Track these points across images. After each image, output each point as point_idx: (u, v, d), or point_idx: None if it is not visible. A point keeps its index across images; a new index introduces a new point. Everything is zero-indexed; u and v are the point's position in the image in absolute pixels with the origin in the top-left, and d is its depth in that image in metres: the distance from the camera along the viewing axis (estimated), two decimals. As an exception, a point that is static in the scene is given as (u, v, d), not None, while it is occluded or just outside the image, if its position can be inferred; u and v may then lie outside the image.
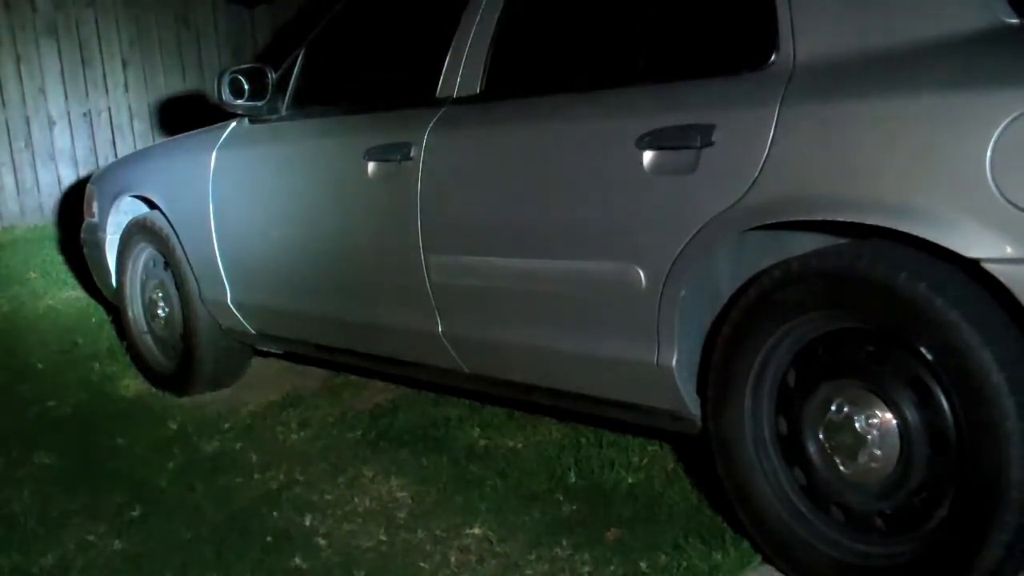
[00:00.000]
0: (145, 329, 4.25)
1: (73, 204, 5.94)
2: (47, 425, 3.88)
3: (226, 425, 3.73)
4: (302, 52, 3.52)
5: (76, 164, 6.94)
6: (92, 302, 5.25)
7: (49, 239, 6.50)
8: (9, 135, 6.76)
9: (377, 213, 3.09)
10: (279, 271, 3.52)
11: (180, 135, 4.18)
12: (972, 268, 1.92)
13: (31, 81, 6.78)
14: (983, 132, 1.87)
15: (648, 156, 2.37)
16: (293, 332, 3.66)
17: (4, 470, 3.48)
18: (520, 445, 3.28)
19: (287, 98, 3.50)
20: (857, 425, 2.15)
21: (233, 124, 3.72)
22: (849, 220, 2.06)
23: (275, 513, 2.99)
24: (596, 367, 2.63)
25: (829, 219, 2.10)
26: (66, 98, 6.89)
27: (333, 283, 3.33)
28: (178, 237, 3.88)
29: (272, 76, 3.47)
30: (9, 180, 6.81)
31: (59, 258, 6.16)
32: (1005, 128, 1.84)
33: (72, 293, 5.64)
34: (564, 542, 2.64)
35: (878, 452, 2.13)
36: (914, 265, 2.00)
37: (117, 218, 4.25)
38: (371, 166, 3.06)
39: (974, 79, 1.94)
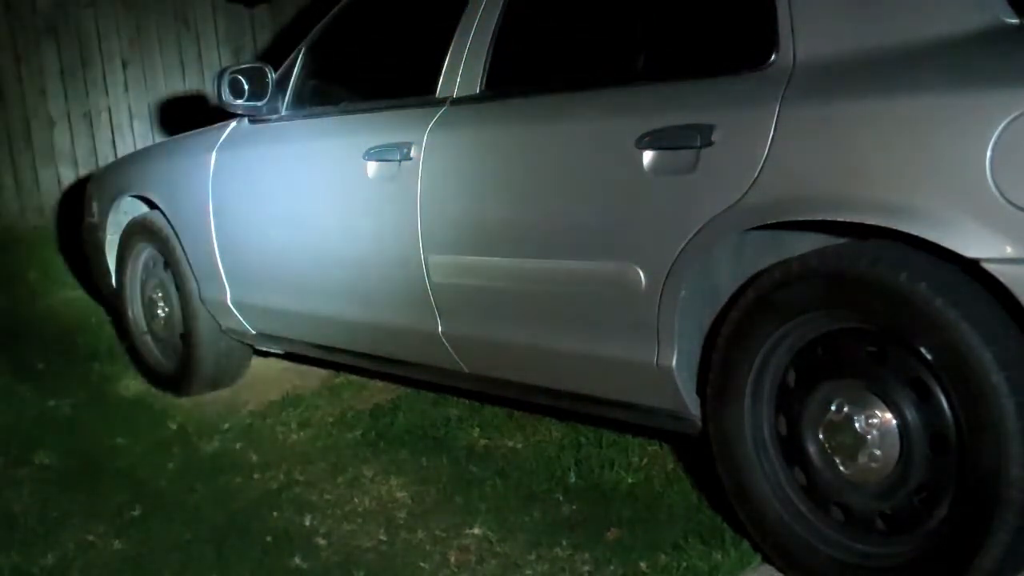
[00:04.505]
0: (145, 329, 4.25)
1: (73, 204, 5.93)
2: (47, 425, 3.88)
3: (226, 425, 3.73)
4: (302, 52, 3.52)
5: (76, 164, 6.92)
6: (92, 302, 5.25)
7: (49, 239, 6.49)
8: (9, 135, 6.75)
9: (377, 213, 3.09)
10: (279, 271, 3.52)
11: (180, 135, 4.18)
12: (972, 268, 1.92)
13: (31, 81, 6.77)
14: (983, 132, 1.87)
15: (648, 156, 2.37)
16: (293, 332, 3.66)
17: (4, 470, 3.48)
18: (520, 445, 3.28)
19: (287, 98, 3.50)
20: (857, 425, 2.15)
21: (233, 124, 3.72)
22: (849, 220, 2.06)
23: (275, 513, 2.99)
24: (596, 367, 2.63)
25: (829, 219, 2.10)
26: (66, 98, 6.87)
27: (333, 283, 3.33)
28: (178, 237, 3.88)
29: (272, 76, 3.47)
30: (9, 180, 6.80)
31: (59, 258, 6.15)
32: (1005, 128, 1.84)
33: (72, 293, 5.64)
34: (564, 542, 2.64)
35: (878, 452, 2.13)
36: (914, 265, 2.00)
37: (117, 218, 4.26)
38: (371, 166, 3.06)
39: (974, 79, 1.94)
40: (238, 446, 3.54)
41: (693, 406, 2.48)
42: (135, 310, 4.27)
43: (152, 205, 4.06)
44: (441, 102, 2.94)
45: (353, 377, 4.02)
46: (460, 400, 3.63)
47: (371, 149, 3.06)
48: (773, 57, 2.22)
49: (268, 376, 4.19)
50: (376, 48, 3.46)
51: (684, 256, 2.34)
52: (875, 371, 2.13)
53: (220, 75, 3.44)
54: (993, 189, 1.86)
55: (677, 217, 2.34)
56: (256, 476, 3.27)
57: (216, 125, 3.83)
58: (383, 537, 2.80)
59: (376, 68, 3.47)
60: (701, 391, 2.45)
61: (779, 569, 2.35)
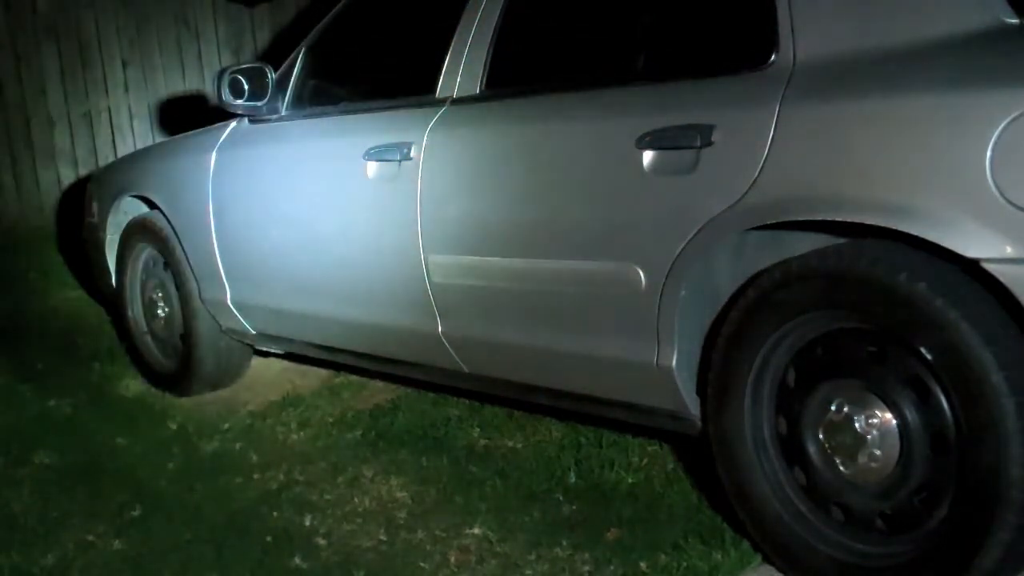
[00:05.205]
0: (145, 329, 4.25)
1: (73, 204, 5.94)
2: (47, 425, 3.88)
3: (226, 425, 3.73)
4: (302, 52, 3.52)
5: (76, 164, 6.93)
6: (92, 302, 5.25)
7: (49, 239, 6.50)
8: (9, 135, 6.76)
9: (377, 213, 3.09)
10: (279, 271, 3.52)
11: (180, 135, 4.19)
12: (972, 268, 1.92)
13: (31, 81, 6.78)
14: (983, 132, 1.87)
15: (648, 156, 2.37)
16: (293, 332, 3.66)
17: (4, 470, 3.48)
18: (520, 445, 3.28)
19: (287, 98, 3.50)
20: (857, 425, 2.15)
21: (233, 124, 3.72)
22: (849, 220, 2.06)
23: (275, 513, 2.99)
24: (596, 367, 2.63)
25: (829, 219, 2.10)
26: (66, 98, 6.88)
27: (333, 283, 3.33)
28: (178, 237, 3.88)
29: (272, 76, 3.47)
30: (9, 180, 6.80)
31: (59, 258, 6.16)
32: (1005, 128, 1.84)
33: (72, 293, 5.64)
34: (564, 542, 2.64)
35: (878, 452, 2.13)
36: (914, 265, 2.00)
37: (117, 218, 4.26)
38: (371, 166, 3.06)
39: (974, 79, 1.94)
40: (238, 446, 3.54)
41: (693, 406, 2.48)
42: (135, 310, 4.27)
43: (152, 205, 4.06)
44: (441, 102, 2.94)
45: (353, 377, 4.02)
46: (460, 400, 3.63)
47: (371, 149, 3.06)
48: (773, 57, 2.22)
49: (268, 376, 4.19)
50: (376, 48, 3.46)
51: (684, 256, 2.34)
52: (875, 371, 2.13)
53: (220, 75, 3.43)
54: (993, 189, 1.86)
55: (677, 217, 2.34)
56: (256, 476, 3.27)
57: (216, 125, 3.83)
58: (383, 537, 2.80)
59: (376, 68, 3.47)
60: (701, 391, 2.45)
61: (779, 569, 2.35)
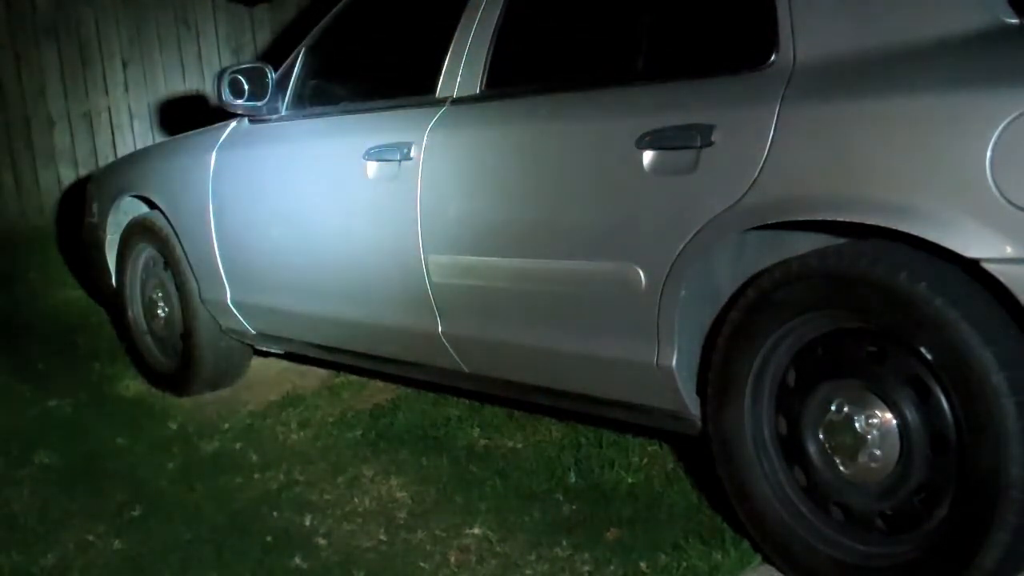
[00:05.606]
0: (145, 329, 4.25)
1: (73, 204, 5.94)
2: (47, 425, 3.88)
3: (226, 425, 3.73)
4: (302, 52, 3.52)
5: (76, 164, 6.93)
6: (92, 302, 5.25)
7: (49, 239, 6.50)
8: (9, 135, 6.76)
9: (377, 213, 3.09)
10: (279, 271, 3.52)
11: (180, 135, 4.19)
12: (972, 268, 1.92)
13: (31, 81, 6.78)
14: (983, 132, 1.87)
15: (648, 156, 2.37)
16: (293, 332, 3.66)
17: (4, 470, 3.48)
18: (520, 445, 3.28)
19: (287, 98, 3.50)
20: (857, 425, 2.15)
21: (233, 124, 3.72)
22: (849, 220, 2.06)
23: (275, 513, 2.99)
24: (596, 367, 2.63)
25: (829, 219, 2.10)
26: (66, 98, 6.87)
27: (333, 283, 3.33)
28: (178, 237, 3.88)
29: (272, 76, 3.47)
30: (9, 180, 6.80)
31: (59, 258, 6.16)
32: (1005, 128, 1.84)
33: (72, 293, 5.64)
34: (564, 542, 2.64)
35: (878, 452, 2.13)
36: (914, 265, 2.00)
37: (117, 218, 4.26)
38: (371, 166, 3.06)
39: (974, 79, 1.94)
40: (238, 446, 3.54)
41: (693, 406, 2.48)
42: (135, 310, 4.27)
43: (152, 205, 4.06)
44: (441, 102, 2.94)
45: (353, 377, 4.02)
46: (460, 400, 3.63)
47: (371, 149, 3.06)
48: (773, 57, 2.22)
49: (268, 376, 4.19)
50: (376, 48, 3.46)
51: (684, 256, 2.34)
52: (875, 371, 2.13)
53: (220, 75, 3.43)
54: (993, 189, 1.86)
55: (677, 217, 2.34)
56: (256, 476, 3.28)
57: (216, 125, 3.83)
58: (383, 537, 2.80)
59: (376, 68, 3.47)
60: (701, 391, 2.45)
61: (779, 569, 2.35)
